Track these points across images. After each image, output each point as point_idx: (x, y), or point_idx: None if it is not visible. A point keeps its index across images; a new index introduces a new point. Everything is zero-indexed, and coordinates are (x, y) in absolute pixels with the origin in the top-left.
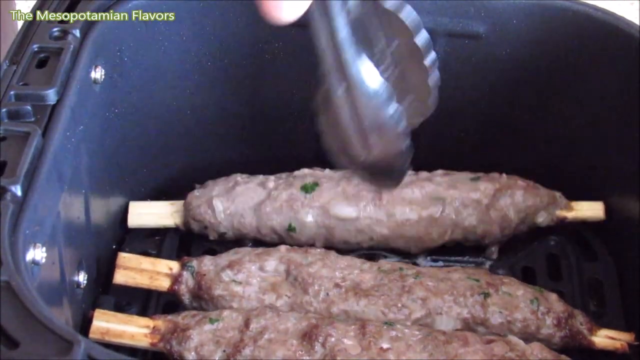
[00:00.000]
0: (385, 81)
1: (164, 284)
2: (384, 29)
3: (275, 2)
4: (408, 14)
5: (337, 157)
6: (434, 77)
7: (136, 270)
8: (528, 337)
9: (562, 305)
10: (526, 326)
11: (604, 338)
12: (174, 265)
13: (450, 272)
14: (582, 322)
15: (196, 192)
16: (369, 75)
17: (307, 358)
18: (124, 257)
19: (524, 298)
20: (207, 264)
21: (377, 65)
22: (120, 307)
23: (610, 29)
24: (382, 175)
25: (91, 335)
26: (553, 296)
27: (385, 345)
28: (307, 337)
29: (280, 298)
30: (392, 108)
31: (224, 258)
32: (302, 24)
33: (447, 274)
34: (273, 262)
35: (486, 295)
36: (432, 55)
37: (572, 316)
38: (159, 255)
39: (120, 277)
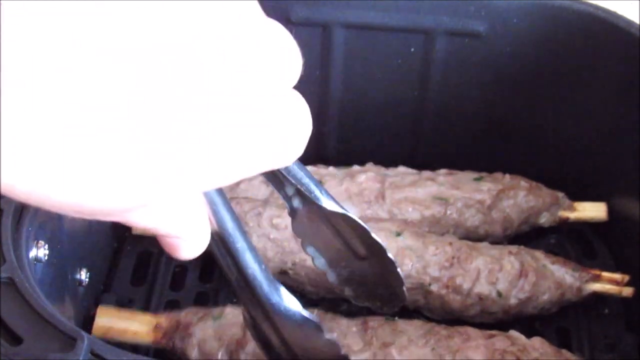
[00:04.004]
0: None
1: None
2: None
3: (172, 244)
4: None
5: None
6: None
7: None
8: None
9: None
10: None
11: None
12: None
13: None
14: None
15: None
16: (290, 305)
17: None
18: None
19: None
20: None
21: (330, 265)
22: (123, 305)
23: (610, 28)
24: None
25: (94, 332)
26: None
27: (387, 340)
28: None
29: None
30: (322, 338)
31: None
32: (303, 23)
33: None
34: None
35: None
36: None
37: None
38: (159, 254)
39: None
